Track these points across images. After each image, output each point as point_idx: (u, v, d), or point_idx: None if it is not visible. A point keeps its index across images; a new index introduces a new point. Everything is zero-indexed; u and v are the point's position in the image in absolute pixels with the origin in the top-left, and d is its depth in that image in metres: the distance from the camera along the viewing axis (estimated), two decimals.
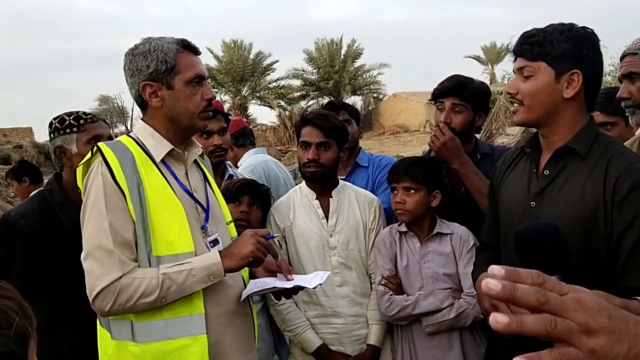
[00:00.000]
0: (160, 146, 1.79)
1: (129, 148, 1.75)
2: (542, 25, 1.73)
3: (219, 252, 1.74)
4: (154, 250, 1.68)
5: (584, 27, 1.70)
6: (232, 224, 2.04)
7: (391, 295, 2.27)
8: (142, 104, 1.83)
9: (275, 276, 1.91)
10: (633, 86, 2.13)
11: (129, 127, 21.58)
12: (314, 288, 1.88)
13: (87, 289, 1.65)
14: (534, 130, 1.84)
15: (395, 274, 2.33)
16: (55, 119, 2.26)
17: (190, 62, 1.80)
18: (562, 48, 1.64)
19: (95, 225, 1.65)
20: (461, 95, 2.43)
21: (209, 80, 1.91)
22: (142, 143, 1.80)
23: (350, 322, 2.36)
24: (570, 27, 1.68)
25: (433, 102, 2.57)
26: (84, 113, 2.29)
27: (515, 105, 1.75)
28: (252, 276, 1.98)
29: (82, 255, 1.68)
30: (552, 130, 1.72)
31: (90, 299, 1.65)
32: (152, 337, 1.67)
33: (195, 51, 1.85)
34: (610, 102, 2.35)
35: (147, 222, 1.67)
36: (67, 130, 2.22)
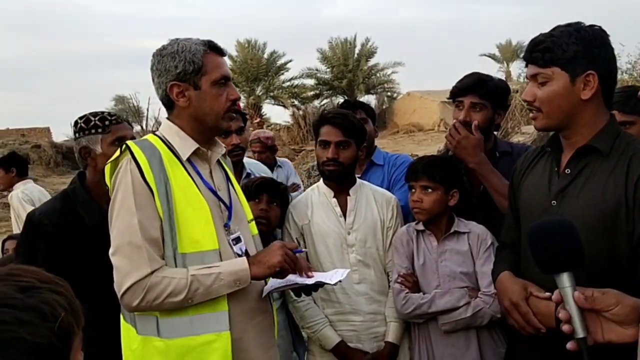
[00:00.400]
0: (186, 145, 1.83)
1: (156, 146, 1.79)
2: (559, 23, 1.72)
3: (247, 258, 1.77)
4: (179, 247, 1.71)
5: (591, 26, 1.69)
6: (253, 222, 2.06)
7: (407, 293, 2.28)
8: (169, 103, 1.86)
9: (295, 273, 1.93)
10: None
11: (144, 126, 21.79)
12: (334, 285, 1.89)
13: (115, 284, 1.68)
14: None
15: (412, 272, 2.34)
16: (80, 118, 2.29)
17: (216, 63, 1.83)
18: (573, 51, 1.63)
19: (124, 222, 1.68)
20: (480, 92, 2.41)
21: None
22: (169, 142, 1.83)
23: (368, 319, 2.37)
24: (578, 27, 1.67)
25: (451, 100, 2.54)
26: (109, 114, 2.33)
27: (533, 112, 1.75)
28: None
29: (111, 251, 1.71)
30: (574, 131, 1.72)
31: (119, 294, 1.68)
32: (177, 333, 1.70)
33: (221, 52, 1.88)
34: (628, 100, 2.33)
35: (174, 219, 1.70)
36: (93, 131, 2.26)
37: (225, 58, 1.91)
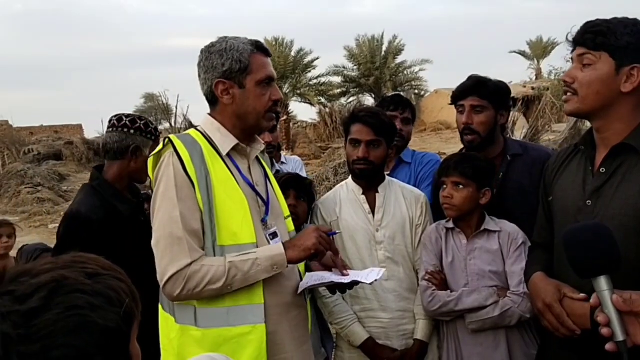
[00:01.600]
0: (226, 140, 1.87)
1: (197, 141, 1.84)
2: (591, 19, 1.71)
3: (283, 243, 1.81)
4: (218, 239, 1.75)
5: None
6: (290, 218, 2.09)
7: (434, 290, 2.27)
8: (213, 99, 1.90)
9: (331, 271, 1.95)
10: None
11: (173, 124, 22.11)
12: (370, 284, 1.90)
13: (158, 275, 1.73)
14: (582, 127, 1.80)
15: (441, 270, 2.33)
16: (132, 119, 2.41)
17: (262, 63, 1.87)
18: (626, 41, 1.62)
19: (167, 214, 1.73)
20: (480, 94, 2.40)
21: None
22: (209, 137, 1.88)
23: (397, 316, 2.37)
24: (636, 22, 1.65)
25: (454, 105, 2.53)
26: (150, 122, 2.49)
27: (568, 94, 1.72)
28: (308, 270, 2.02)
29: (153, 242, 1.76)
30: (607, 124, 1.69)
31: (162, 284, 1.72)
32: (214, 323, 1.74)
33: (267, 53, 1.92)
34: None
35: (213, 212, 1.75)
36: (148, 136, 2.42)
37: (270, 59, 1.94)
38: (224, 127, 1.88)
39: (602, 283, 1.20)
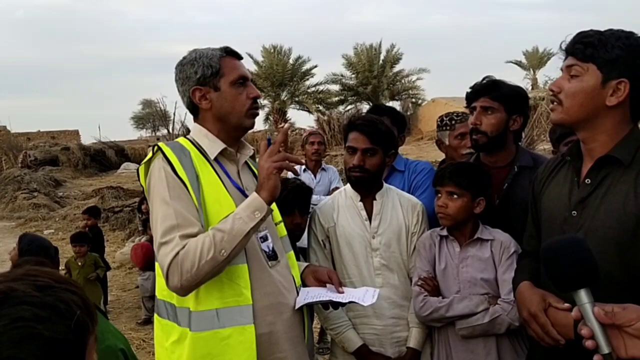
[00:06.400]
0: (214, 145, 1.93)
1: (185, 147, 1.90)
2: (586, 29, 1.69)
3: (255, 191, 1.82)
4: None
5: None
6: (282, 223, 2.13)
7: (426, 296, 2.29)
8: (194, 109, 1.97)
9: (325, 286, 1.99)
10: None
11: (171, 130, 22.11)
12: (366, 306, 1.94)
13: (162, 275, 1.76)
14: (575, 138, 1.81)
15: (434, 276, 2.35)
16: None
17: (233, 65, 1.94)
18: (615, 54, 1.60)
19: (160, 213, 1.76)
20: (492, 95, 2.37)
21: None
22: (198, 143, 1.94)
23: (390, 324, 2.38)
24: (630, 35, 1.63)
25: (467, 108, 2.51)
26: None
27: (554, 103, 1.71)
28: (304, 285, 2.06)
29: (154, 245, 1.79)
30: (592, 136, 1.68)
31: (165, 282, 1.75)
32: (205, 326, 1.77)
33: (237, 56, 1.98)
34: None
35: (204, 214, 1.79)
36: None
37: (243, 61, 2.01)
38: (211, 133, 1.94)
39: (582, 296, 1.19)
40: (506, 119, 2.40)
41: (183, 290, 1.75)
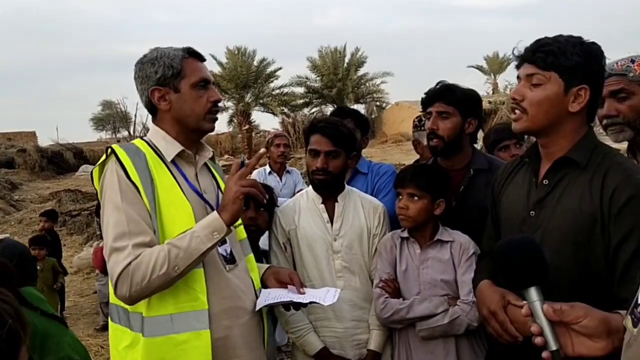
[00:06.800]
0: (171, 147, 1.88)
1: (140, 149, 1.84)
2: (544, 35, 1.71)
3: (215, 210, 1.80)
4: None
5: (593, 43, 1.68)
6: (242, 226, 2.09)
7: (387, 298, 2.29)
8: (152, 109, 1.91)
9: (286, 287, 1.97)
10: (622, 104, 2.13)
11: (132, 132, 21.70)
12: (326, 305, 1.93)
13: (111, 281, 1.71)
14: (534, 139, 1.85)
15: (394, 278, 2.36)
16: None
17: (195, 67, 1.89)
18: (575, 61, 1.63)
19: (112, 218, 1.72)
20: (447, 99, 2.41)
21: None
22: (154, 145, 1.88)
23: (351, 326, 2.38)
24: (582, 41, 1.67)
25: (424, 113, 2.53)
26: None
27: (517, 112, 1.72)
28: (264, 286, 2.03)
29: (105, 250, 1.74)
30: (553, 141, 1.71)
31: (113, 289, 1.70)
32: (159, 331, 1.73)
33: (200, 58, 1.93)
34: None
35: (158, 218, 1.74)
36: None
37: (206, 63, 1.96)
38: (169, 135, 1.89)
39: (532, 294, 1.22)
40: (462, 123, 2.44)
41: (130, 300, 1.72)
